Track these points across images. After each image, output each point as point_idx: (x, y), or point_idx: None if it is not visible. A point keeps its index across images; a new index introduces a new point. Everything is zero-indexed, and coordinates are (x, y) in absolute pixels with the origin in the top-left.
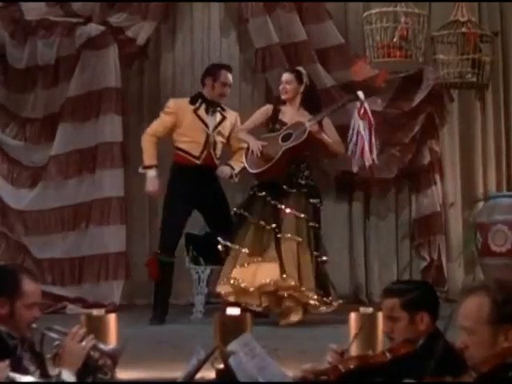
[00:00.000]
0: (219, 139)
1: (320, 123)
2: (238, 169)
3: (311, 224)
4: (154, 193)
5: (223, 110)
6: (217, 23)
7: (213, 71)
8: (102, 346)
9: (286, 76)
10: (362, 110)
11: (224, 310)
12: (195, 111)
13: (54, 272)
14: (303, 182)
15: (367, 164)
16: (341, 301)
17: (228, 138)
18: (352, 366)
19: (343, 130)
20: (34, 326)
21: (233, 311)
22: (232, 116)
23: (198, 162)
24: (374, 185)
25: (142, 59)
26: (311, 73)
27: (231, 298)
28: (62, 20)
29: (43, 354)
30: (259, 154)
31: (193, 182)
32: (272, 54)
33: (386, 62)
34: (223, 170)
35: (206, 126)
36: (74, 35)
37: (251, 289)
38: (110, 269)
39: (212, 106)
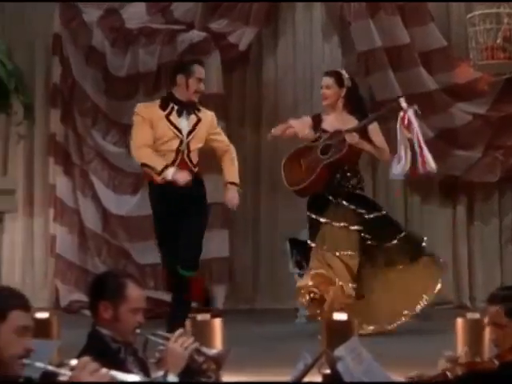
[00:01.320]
0: (195, 145)
1: (365, 129)
2: (237, 180)
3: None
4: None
5: (198, 110)
6: (319, 27)
7: (184, 67)
8: (205, 350)
9: (324, 80)
10: (406, 120)
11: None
12: (167, 117)
13: (156, 277)
14: (348, 190)
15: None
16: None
17: (207, 141)
18: (460, 373)
19: None
20: (137, 331)
21: (339, 316)
22: (208, 116)
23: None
24: (477, 189)
25: (244, 64)
26: (414, 76)
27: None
28: (163, 27)
29: (146, 358)
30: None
31: (171, 199)
32: (375, 57)
33: (490, 64)
34: (233, 200)
35: (180, 131)
36: (175, 42)
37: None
38: (213, 274)
39: (185, 107)
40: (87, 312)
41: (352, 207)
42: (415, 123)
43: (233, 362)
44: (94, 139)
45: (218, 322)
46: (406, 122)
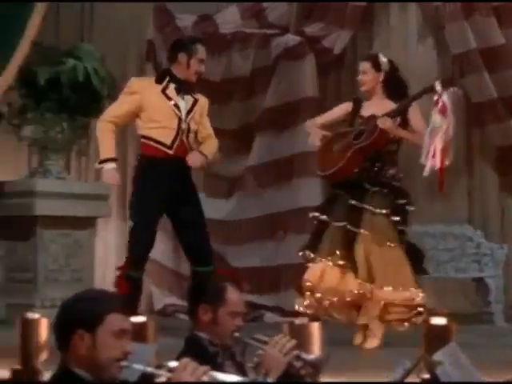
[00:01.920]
0: (193, 126)
1: (404, 114)
2: (210, 157)
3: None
4: (116, 184)
5: (194, 92)
6: (414, 29)
7: (187, 46)
8: (304, 356)
9: (361, 65)
10: (440, 104)
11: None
12: (163, 91)
13: (252, 281)
14: (388, 180)
15: (428, 168)
16: None
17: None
18: None
19: None
20: (236, 334)
21: (438, 321)
22: (202, 99)
23: (170, 152)
24: None
25: (338, 68)
26: (510, 77)
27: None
28: (257, 32)
29: (244, 362)
30: (318, 146)
31: (165, 178)
32: (469, 59)
33: None
34: (193, 158)
35: (178, 108)
36: (269, 46)
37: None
38: None
39: (184, 86)
40: (181, 315)
41: (391, 196)
42: (450, 109)
43: (331, 366)
44: None
45: (316, 326)
46: (439, 106)
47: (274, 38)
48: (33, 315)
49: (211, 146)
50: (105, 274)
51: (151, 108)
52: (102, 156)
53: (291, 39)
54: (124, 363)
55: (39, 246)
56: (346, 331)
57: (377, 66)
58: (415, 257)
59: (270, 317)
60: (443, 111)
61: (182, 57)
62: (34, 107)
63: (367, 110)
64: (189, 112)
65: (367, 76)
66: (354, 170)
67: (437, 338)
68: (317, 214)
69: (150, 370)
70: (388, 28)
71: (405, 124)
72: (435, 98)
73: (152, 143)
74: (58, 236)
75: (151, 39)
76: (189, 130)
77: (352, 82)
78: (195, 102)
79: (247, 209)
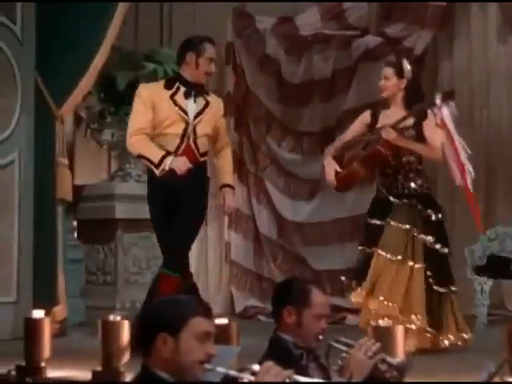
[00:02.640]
0: (203, 130)
1: (419, 125)
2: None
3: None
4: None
5: (207, 93)
6: (494, 30)
7: (195, 45)
8: (389, 359)
9: (384, 71)
10: (439, 119)
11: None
12: (172, 97)
13: (333, 283)
14: (413, 191)
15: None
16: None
17: (213, 129)
18: None
19: None
20: (320, 337)
21: None
22: (217, 101)
23: None
24: None
25: (419, 69)
26: None
27: None
28: (338, 33)
29: (329, 365)
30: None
31: (173, 188)
32: None
33: None
34: (228, 203)
35: (185, 113)
36: (350, 48)
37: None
38: None
39: (194, 88)
40: (263, 318)
41: (419, 207)
42: (449, 123)
43: (418, 369)
44: (268, 146)
45: (400, 329)
46: (438, 120)
47: (354, 40)
48: (114, 317)
49: (229, 163)
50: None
51: (159, 115)
52: (156, 158)
53: (372, 40)
54: (207, 366)
55: (119, 248)
56: None
57: (400, 72)
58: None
59: (352, 319)
60: (442, 125)
61: (191, 56)
62: (114, 111)
63: (384, 120)
64: (198, 115)
65: (389, 82)
66: (358, 180)
67: None
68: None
69: (232, 373)
70: (468, 28)
71: (420, 136)
72: (435, 111)
73: None
74: (138, 239)
75: (230, 42)
76: (196, 133)
77: (433, 83)
78: (206, 104)
79: (328, 210)
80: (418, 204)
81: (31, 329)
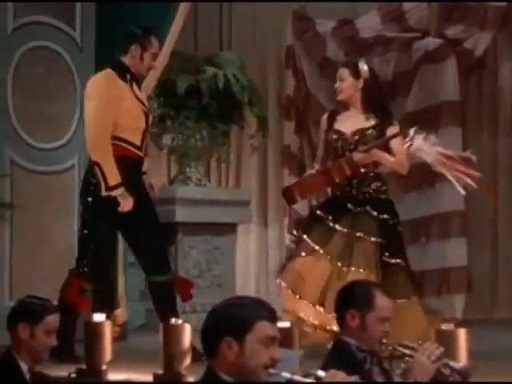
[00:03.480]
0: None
1: (381, 127)
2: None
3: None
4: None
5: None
6: None
7: (142, 38)
8: (452, 363)
9: (339, 72)
10: (411, 147)
11: None
12: (131, 87)
13: None
14: (368, 196)
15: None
16: None
17: None
18: None
19: None
20: (384, 340)
21: None
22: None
23: (140, 153)
24: None
25: (480, 70)
26: None
27: None
28: (398, 35)
29: (392, 370)
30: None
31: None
32: None
33: None
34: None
35: (144, 105)
36: (410, 50)
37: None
38: (451, 283)
39: (139, 81)
40: None
41: (374, 213)
42: (426, 149)
43: (479, 374)
44: None
45: (463, 333)
46: (408, 147)
47: (414, 42)
48: (176, 320)
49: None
50: (245, 280)
51: (124, 108)
52: (111, 183)
53: (432, 42)
54: (272, 371)
55: (180, 251)
56: None
57: (356, 72)
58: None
59: None
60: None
61: (136, 49)
62: (174, 116)
63: (342, 123)
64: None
65: (344, 83)
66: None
67: None
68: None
69: (297, 378)
70: None
71: (380, 137)
72: (407, 141)
73: (125, 144)
74: (198, 242)
75: (290, 45)
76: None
77: (493, 85)
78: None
79: None
80: (372, 210)
81: (92, 332)
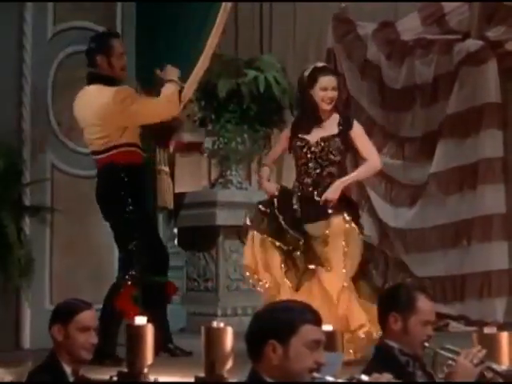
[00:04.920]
0: None
1: (346, 137)
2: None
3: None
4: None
5: None
6: None
7: (101, 45)
8: (495, 366)
9: (333, 81)
10: None
11: None
12: None
13: (436, 289)
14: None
15: None
16: None
17: None
18: None
19: None
20: (426, 344)
21: None
22: None
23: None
24: None
25: None
26: None
27: None
28: (439, 38)
29: (435, 373)
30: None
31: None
32: None
33: None
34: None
35: None
36: (451, 52)
37: None
38: (492, 286)
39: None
40: None
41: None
42: None
43: None
44: None
45: (505, 336)
46: None
47: (455, 44)
48: (218, 324)
49: None
50: None
51: None
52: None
53: (473, 44)
54: (316, 375)
55: (220, 255)
56: None
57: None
58: None
59: (455, 326)
60: None
61: (102, 59)
62: (215, 119)
63: (314, 132)
64: None
65: (336, 93)
66: None
67: None
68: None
69: (340, 381)
70: None
71: (345, 144)
72: None
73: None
74: (239, 246)
75: (331, 48)
76: None
77: None
78: None
79: (430, 217)
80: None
81: (133, 335)
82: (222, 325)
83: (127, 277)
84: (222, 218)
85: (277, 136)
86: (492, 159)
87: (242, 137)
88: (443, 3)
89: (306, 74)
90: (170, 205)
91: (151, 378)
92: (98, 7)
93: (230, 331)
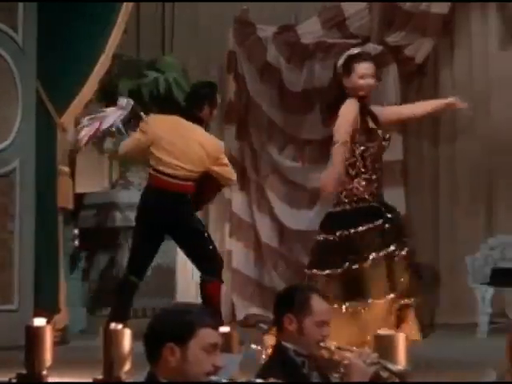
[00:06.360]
0: None
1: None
2: None
3: None
4: None
5: None
6: (495, 37)
7: (208, 96)
8: (390, 366)
9: (371, 67)
10: None
11: None
12: None
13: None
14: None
15: None
16: None
17: None
18: None
19: None
20: (322, 344)
21: None
22: None
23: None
24: None
25: (420, 77)
26: None
27: None
28: (339, 42)
29: (330, 373)
30: None
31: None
32: None
33: None
34: None
35: None
36: None
37: None
38: None
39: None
40: (263, 326)
41: None
42: None
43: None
44: (269, 154)
45: (401, 337)
46: None
47: (355, 48)
48: (116, 325)
49: None
50: (188, 285)
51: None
52: None
53: (373, 49)
54: (213, 378)
55: (121, 256)
56: None
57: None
58: None
59: None
60: None
61: (206, 108)
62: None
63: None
64: None
65: (374, 81)
66: None
67: None
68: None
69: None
70: (469, 36)
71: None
72: None
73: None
74: None
75: (232, 50)
76: None
77: (434, 91)
78: None
79: None
80: None
81: (32, 337)
82: (120, 326)
83: None
84: (123, 219)
85: None
86: (392, 162)
87: None
88: (344, 8)
89: (341, 62)
90: (70, 205)
91: (49, 379)
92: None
93: (128, 333)
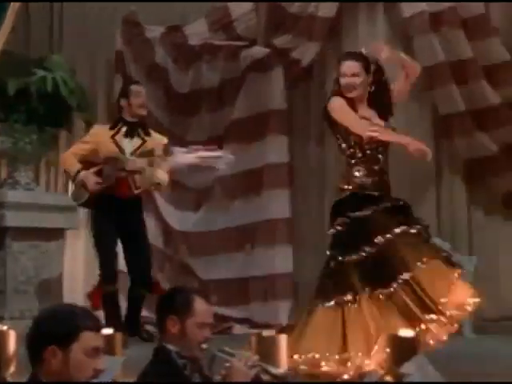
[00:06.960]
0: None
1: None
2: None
3: None
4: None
5: (147, 133)
6: (382, 39)
7: (123, 91)
8: (271, 369)
9: (351, 65)
10: None
11: None
12: (113, 136)
13: (221, 293)
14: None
15: None
16: None
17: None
18: None
19: None
20: (204, 346)
21: (405, 333)
22: (151, 142)
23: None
24: None
25: (306, 80)
26: (478, 90)
27: None
28: (226, 44)
29: (212, 375)
30: None
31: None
32: (438, 72)
33: None
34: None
35: (122, 151)
36: (238, 58)
37: None
38: (276, 289)
39: (132, 128)
40: (149, 327)
41: None
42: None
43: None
44: None
45: (283, 339)
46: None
47: (242, 50)
48: (1, 327)
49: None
50: (73, 286)
51: (103, 154)
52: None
53: (259, 51)
54: (94, 381)
55: (9, 257)
56: None
57: (367, 66)
58: None
59: (239, 329)
60: None
61: (123, 102)
62: (4, 118)
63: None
64: (134, 152)
65: (359, 78)
66: None
67: (403, 350)
68: None
69: None
70: (356, 39)
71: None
72: None
73: None
74: (27, 247)
75: (120, 50)
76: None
77: (320, 94)
78: (142, 143)
79: (215, 220)
80: None
81: None
82: (5, 328)
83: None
84: (11, 219)
85: (65, 136)
86: (277, 164)
87: (29, 137)
88: (231, 9)
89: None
90: None
91: None
92: None
93: (12, 335)
